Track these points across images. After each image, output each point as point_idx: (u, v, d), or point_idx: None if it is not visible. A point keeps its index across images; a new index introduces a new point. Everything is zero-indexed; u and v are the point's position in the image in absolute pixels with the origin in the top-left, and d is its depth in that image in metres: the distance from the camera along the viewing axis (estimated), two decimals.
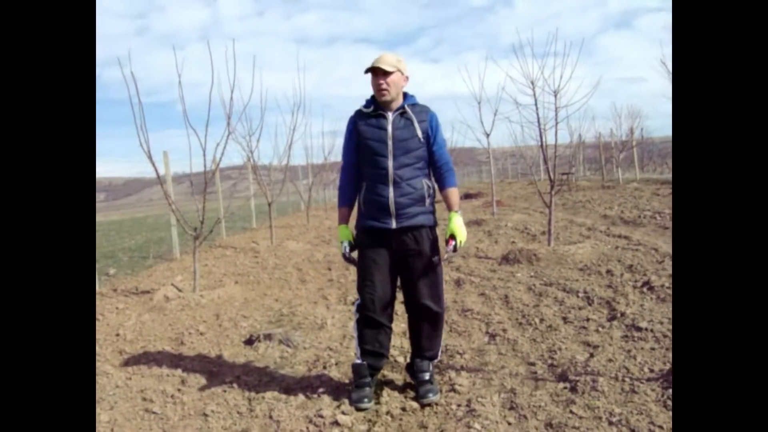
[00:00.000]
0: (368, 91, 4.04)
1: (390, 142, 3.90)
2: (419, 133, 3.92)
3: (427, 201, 3.98)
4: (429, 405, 3.88)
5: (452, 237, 3.92)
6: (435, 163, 4.02)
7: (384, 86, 3.86)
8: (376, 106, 3.99)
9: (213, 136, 12.60)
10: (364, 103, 4.08)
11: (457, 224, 3.94)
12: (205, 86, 7.81)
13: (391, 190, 3.91)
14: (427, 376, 4.05)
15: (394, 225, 3.92)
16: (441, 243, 3.97)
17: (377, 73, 3.87)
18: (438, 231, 4.08)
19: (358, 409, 3.88)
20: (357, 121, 4.05)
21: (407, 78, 4.00)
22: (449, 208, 4.01)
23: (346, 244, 4.11)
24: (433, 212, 4.06)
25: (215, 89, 7.85)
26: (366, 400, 3.93)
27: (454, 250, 3.92)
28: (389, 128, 3.92)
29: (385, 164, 3.91)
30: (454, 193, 4.05)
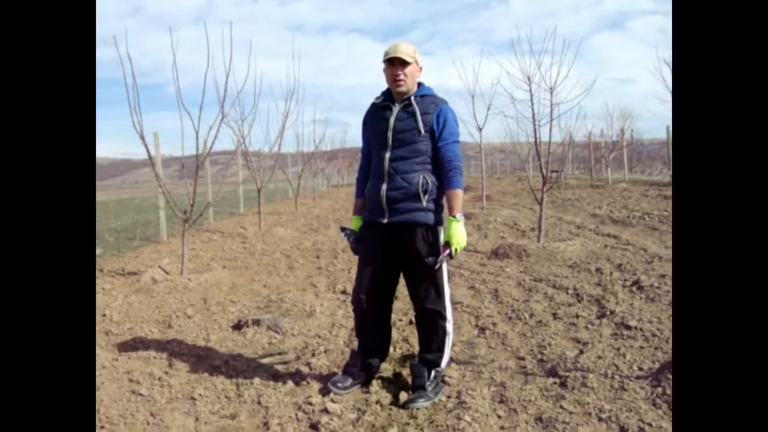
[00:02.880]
0: (361, 81, 3.96)
1: (389, 134, 3.80)
2: (420, 126, 3.74)
3: (425, 198, 3.74)
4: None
5: (448, 244, 3.71)
6: (439, 160, 3.78)
7: (401, 77, 3.75)
8: (386, 98, 3.92)
9: (205, 120, 12.51)
10: (378, 94, 4.00)
11: (455, 231, 3.67)
12: (198, 70, 7.74)
13: (384, 183, 3.81)
14: (421, 382, 3.82)
15: (385, 220, 3.83)
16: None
17: (395, 62, 3.76)
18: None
19: (327, 390, 3.86)
20: (368, 113, 4.02)
21: (421, 69, 3.88)
22: (449, 211, 3.76)
23: (347, 232, 4.07)
24: (434, 210, 3.81)
25: (209, 73, 7.77)
26: (339, 385, 3.90)
27: (450, 257, 3.74)
28: (391, 120, 3.82)
29: (383, 156, 3.83)
30: (455, 196, 3.74)
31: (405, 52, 3.74)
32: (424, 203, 3.75)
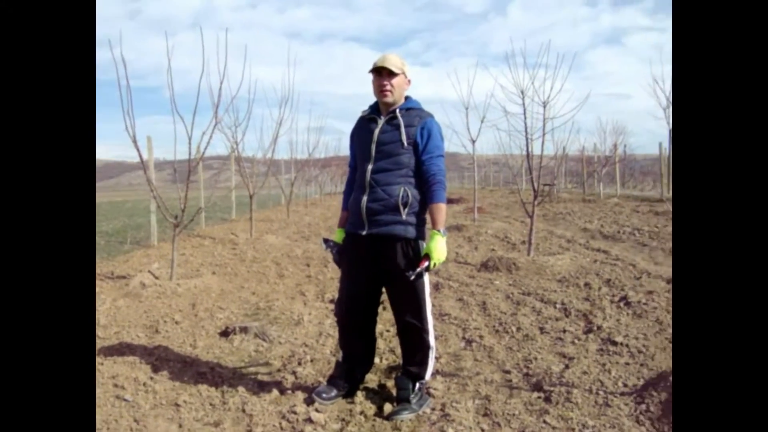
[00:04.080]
0: (358, 90, 3.98)
1: (373, 146, 3.80)
2: (404, 138, 3.72)
3: (405, 211, 3.71)
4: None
5: (427, 257, 3.66)
6: (422, 174, 3.75)
7: (388, 87, 3.75)
8: (372, 111, 3.93)
9: (199, 125, 12.53)
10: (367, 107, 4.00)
11: (436, 245, 3.63)
12: (194, 74, 7.77)
13: (365, 194, 3.80)
14: (405, 395, 3.81)
15: (365, 231, 3.80)
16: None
17: (382, 73, 3.76)
18: None
19: (312, 400, 3.86)
20: (355, 126, 4.02)
21: (409, 81, 3.88)
22: (432, 225, 3.70)
23: (330, 244, 4.06)
24: (415, 224, 3.77)
25: (204, 78, 7.79)
26: (324, 395, 3.90)
27: (427, 269, 3.69)
28: (376, 132, 3.81)
29: (365, 168, 3.82)
30: (437, 210, 3.70)
31: (393, 62, 3.74)
32: (404, 216, 3.72)
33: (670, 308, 5.88)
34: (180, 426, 3.61)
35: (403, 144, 3.73)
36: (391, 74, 3.75)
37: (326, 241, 4.11)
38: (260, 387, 4.22)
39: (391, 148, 3.75)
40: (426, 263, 3.65)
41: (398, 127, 3.76)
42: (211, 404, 3.92)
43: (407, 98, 3.92)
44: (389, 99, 3.79)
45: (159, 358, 4.81)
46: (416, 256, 3.76)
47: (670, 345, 4.85)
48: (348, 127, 4.10)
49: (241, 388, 4.13)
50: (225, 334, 5.51)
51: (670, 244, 10.51)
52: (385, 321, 5.72)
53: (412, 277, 3.69)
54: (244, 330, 5.44)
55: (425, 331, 3.86)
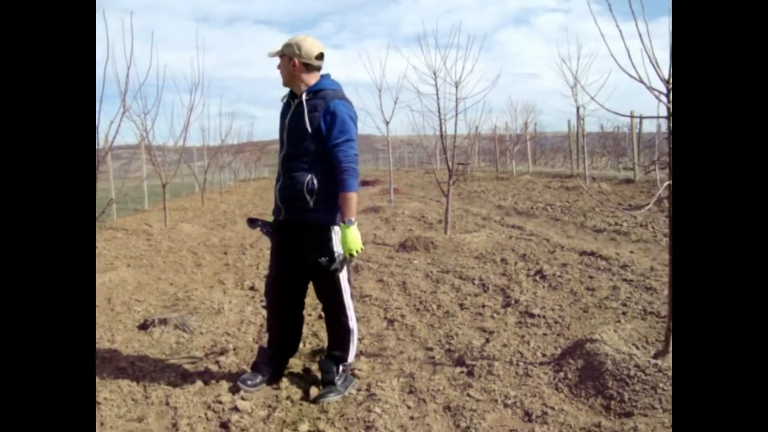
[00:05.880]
0: (269, 74, 3.94)
1: (285, 133, 3.80)
2: (307, 124, 3.64)
3: (312, 198, 3.66)
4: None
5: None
6: (331, 162, 3.65)
7: (278, 71, 3.80)
8: (289, 95, 3.89)
9: (106, 114, 12.14)
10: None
11: (348, 237, 3.60)
12: (97, 61, 7.52)
13: (279, 181, 3.82)
14: (330, 377, 3.83)
15: (281, 217, 3.84)
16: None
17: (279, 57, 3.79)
18: None
19: (237, 388, 3.83)
20: (281, 110, 3.97)
21: (302, 62, 3.71)
22: (341, 216, 3.66)
23: (260, 223, 4.01)
24: (324, 210, 3.70)
25: (110, 65, 7.56)
26: (249, 382, 3.86)
27: (345, 259, 3.68)
28: (287, 118, 3.80)
29: (280, 154, 3.84)
30: (346, 200, 3.62)
31: (281, 46, 3.76)
32: (311, 204, 3.67)
33: (583, 279, 6.10)
34: (102, 424, 3.52)
35: (307, 131, 3.67)
36: (281, 58, 3.77)
37: (254, 220, 4.04)
38: (183, 379, 4.15)
39: (297, 135, 3.72)
40: (342, 256, 3.67)
41: (303, 113, 3.70)
42: (133, 399, 3.83)
43: (323, 78, 3.82)
44: (283, 83, 3.82)
45: None
46: (328, 242, 3.72)
47: (584, 314, 5.04)
48: (260, 111, 4.09)
49: (163, 381, 4.06)
50: (144, 327, 5.38)
51: (581, 218, 10.86)
52: (306, 305, 5.70)
53: (331, 268, 3.67)
54: (164, 322, 5.33)
55: (345, 315, 3.87)
